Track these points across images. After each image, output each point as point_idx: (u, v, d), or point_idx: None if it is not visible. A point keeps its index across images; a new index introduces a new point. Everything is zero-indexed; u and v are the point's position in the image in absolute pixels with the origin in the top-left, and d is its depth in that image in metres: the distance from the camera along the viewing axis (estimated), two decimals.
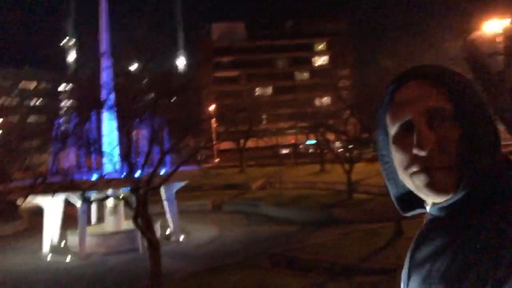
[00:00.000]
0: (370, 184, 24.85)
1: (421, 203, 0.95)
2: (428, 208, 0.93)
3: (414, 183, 0.86)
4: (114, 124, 19.01)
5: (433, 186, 0.83)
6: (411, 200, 0.98)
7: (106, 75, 20.47)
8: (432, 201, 0.89)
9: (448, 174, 0.82)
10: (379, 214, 18.73)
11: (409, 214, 1.00)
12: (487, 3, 8.75)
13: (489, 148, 0.84)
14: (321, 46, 78.47)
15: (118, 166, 15.29)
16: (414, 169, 0.84)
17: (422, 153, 0.82)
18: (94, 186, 12.87)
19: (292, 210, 23.65)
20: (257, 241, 18.94)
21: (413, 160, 0.84)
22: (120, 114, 17.55)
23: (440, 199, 0.85)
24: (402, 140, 0.87)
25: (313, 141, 39.17)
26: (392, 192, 0.99)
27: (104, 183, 13.18)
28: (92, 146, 15.74)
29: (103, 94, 18.17)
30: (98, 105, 16.76)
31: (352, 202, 23.56)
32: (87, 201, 14.40)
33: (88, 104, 19.19)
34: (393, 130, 0.90)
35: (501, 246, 0.75)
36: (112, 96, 17.56)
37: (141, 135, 18.87)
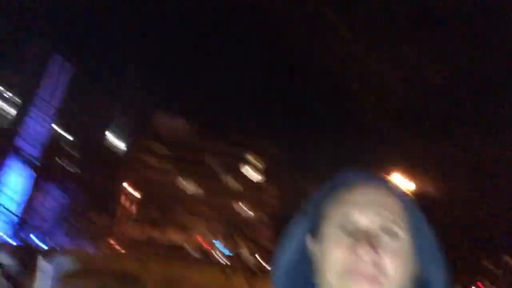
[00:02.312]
0: None
1: None
2: None
3: (341, 284, 0.74)
4: (22, 180, 17.55)
5: None
6: None
7: (29, 127, 19.56)
8: None
9: None
10: None
11: None
12: None
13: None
14: (257, 162, 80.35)
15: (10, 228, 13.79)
16: (355, 275, 0.72)
17: (373, 256, 0.73)
18: None
19: None
20: None
21: (355, 264, 0.73)
22: (34, 170, 16.44)
23: None
24: (343, 241, 0.77)
25: (226, 250, 37.83)
26: None
27: None
28: None
29: (19, 142, 17.14)
30: (9, 152, 15.67)
31: None
32: None
33: None
34: (330, 229, 0.80)
35: None
36: (28, 148, 16.56)
37: (46, 201, 17.52)
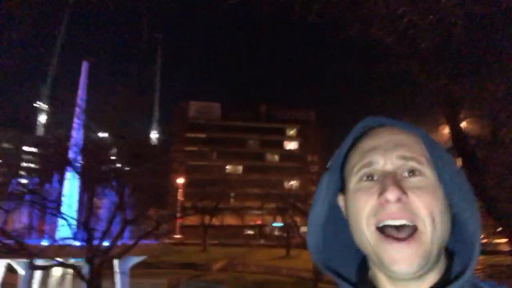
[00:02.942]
0: None
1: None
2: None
3: (376, 241, 0.71)
4: (76, 187, 18.03)
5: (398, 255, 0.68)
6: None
7: (76, 137, 19.79)
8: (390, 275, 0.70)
9: (415, 241, 0.69)
10: None
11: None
12: None
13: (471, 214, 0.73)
14: (291, 132, 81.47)
15: (74, 232, 14.20)
16: (384, 219, 0.70)
17: (397, 194, 0.70)
18: (45, 252, 11.67)
19: None
20: None
21: (385, 209, 0.70)
22: (85, 177, 16.77)
23: (399, 275, 0.69)
24: (367, 188, 0.75)
25: (280, 224, 38.61)
26: (321, 257, 0.80)
27: (57, 249, 12.02)
28: (49, 207, 14.68)
29: (70, 154, 17.47)
30: (63, 165, 16.00)
31: None
32: (34, 268, 12.97)
33: (53, 163, 18.33)
34: (354, 177, 0.78)
35: None
36: (79, 158, 16.88)
37: (103, 202, 17.92)
